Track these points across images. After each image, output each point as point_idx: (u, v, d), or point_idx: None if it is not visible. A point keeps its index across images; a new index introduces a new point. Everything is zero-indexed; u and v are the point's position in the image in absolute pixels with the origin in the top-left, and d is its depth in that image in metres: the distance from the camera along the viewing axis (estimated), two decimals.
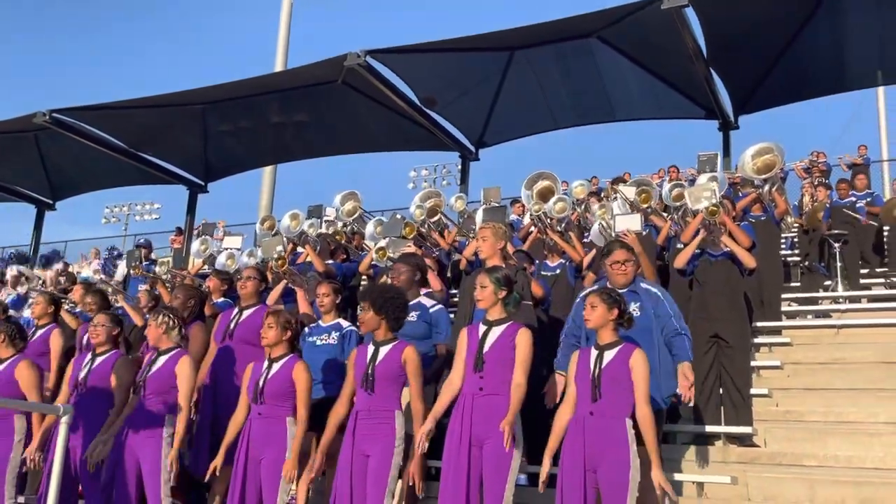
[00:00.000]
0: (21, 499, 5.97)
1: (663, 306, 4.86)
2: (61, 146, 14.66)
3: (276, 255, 7.55)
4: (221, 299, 6.80)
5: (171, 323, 5.18)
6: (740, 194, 8.67)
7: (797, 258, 10.23)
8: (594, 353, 4.27)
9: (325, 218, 10.40)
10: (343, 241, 9.40)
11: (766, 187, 8.15)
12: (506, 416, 4.21)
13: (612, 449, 4.03)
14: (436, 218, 9.19)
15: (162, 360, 5.09)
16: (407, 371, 4.53)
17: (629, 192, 8.10)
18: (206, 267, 9.96)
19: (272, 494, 4.62)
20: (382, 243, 8.16)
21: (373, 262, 8.15)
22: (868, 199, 10.55)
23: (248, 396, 4.87)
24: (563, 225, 8.07)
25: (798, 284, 9.46)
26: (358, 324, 4.99)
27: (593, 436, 4.07)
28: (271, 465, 4.65)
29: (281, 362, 4.86)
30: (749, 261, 6.15)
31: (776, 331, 7.57)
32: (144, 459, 4.90)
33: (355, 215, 9.90)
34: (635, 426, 4.13)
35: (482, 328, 4.52)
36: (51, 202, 17.08)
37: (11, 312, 8.31)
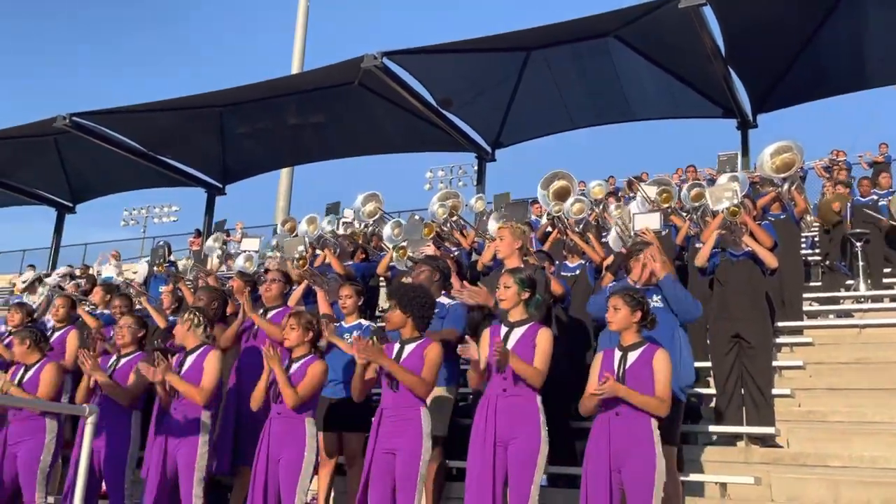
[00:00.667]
0: (50, 499, 6.04)
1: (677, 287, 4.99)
2: (81, 150, 14.81)
3: (297, 256, 7.58)
4: (244, 294, 6.83)
5: (196, 320, 5.22)
6: (760, 193, 8.61)
7: (818, 257, 10.15)
8: (618, 353, 4.27)
9: (342, 219, 10.43)
10: (361, 242, 9.42)
11: (786, 186, 8.09)
12: (531, 416, 4.23)
13: (636, 449, 4.03)
14: (454, 218, 9.19)
15: (190, 359, 5.12)
16: (424, 363, 4.49)
17: (650, 190, 8.06)
18: (223, 267, 10.01)
19: (290, 494, 4.63)
20: (401, 243, 8.17)
21: (391, 263, 8.17)
22: (890, 198, 10.44)
23: (267, 395, 4.88)
24: (581, 225, 8.05)
25: (819, 284, 9.39)
26: (384, 321, 4.96)
27: (618, 436, 4.07)
28: (289, 465, 4.66)
29: (300, 362, 4.88)
30: (771, 261, 6.11)
31: (798, 331, 7.52)
32: (180, 459, 4.94)
33: (376, 216, 9.92)
34: (663, 423, 4.13)
35: (504, 329, 4.52)
36: (71, 205, 17.25)
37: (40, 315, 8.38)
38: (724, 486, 5.29)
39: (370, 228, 9.81)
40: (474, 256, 8.65)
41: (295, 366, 4.87)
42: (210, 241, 10.84)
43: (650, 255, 5.01)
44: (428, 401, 4.63)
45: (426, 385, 4.47)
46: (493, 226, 8.60)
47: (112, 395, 5.24)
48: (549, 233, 8.59)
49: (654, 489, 3.96)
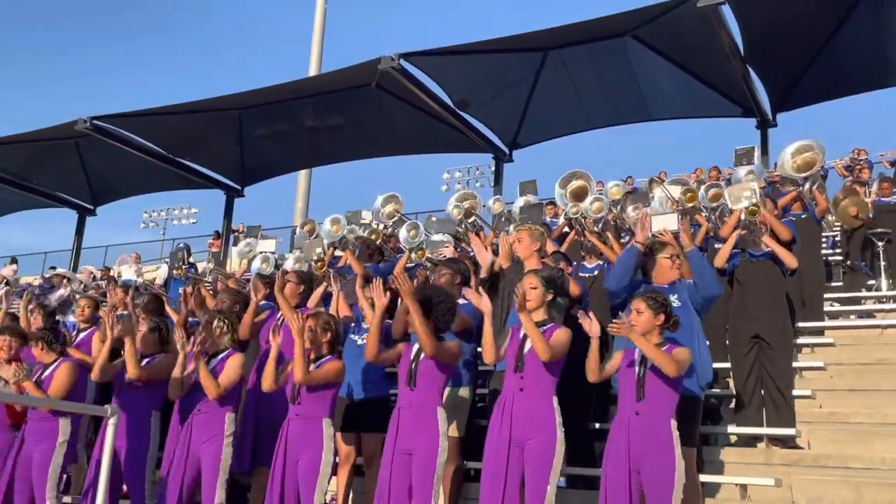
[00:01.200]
0: (67, 499, 6.10)
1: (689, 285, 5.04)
2: (102, 152, 14.95)
3: (315, 258, 7.61)
4: (263, 301, 6.88)
5: (224, 326, 5.27)
6: (781, 192, 8.54)
7: (839, 257, 10.05)
8: (638, 354, 4.26)
9: (362, 221, 10.45)
10: (379, 242, 9.44)
11: (807, 185, 8.02)
12: (546, 416, 4.24)
13: (656, 450, 4.02)
14: (471, 219, 9.18)
15: (214, 362, 5.17)
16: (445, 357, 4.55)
17: (674, 190, 7.99)
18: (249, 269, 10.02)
19: (310, 496, 4.66)
20: (437, 236, 8.16)
21: (408, 265, 8.18)
22: None
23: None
24: (599, 225, 8.02)
25: (840, 284, 9.30)
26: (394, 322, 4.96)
27: (637, 436, 4.06)
28: (308, 467, 4.69)
29: (318, 363, 4.90)
30: (791, 261, 6.06)
31: (818, 331, 7.44)
32: (204, 459, 4.98)
33: (395, 218, 9.92)
34: (679, 427, 4.12)
35: (523, 330, 4.52)
36: (91, 207, 17.40)
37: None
38: (744, 487, 5.25)
39: (388, 230, 9.82)
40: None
41: (312, 367, 4.90)
42: (241, 245, 10.90)
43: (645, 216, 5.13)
44: (444, 400, 4.64)
45: (451, 352, 4.54)
46: (517, 206, 8.55)
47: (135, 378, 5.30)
48: (566, 234, 8.56)
49: (674, 491, 3.94)
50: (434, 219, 9.20)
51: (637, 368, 4.20)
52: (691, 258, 5.02)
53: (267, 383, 4.87)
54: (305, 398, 4.80)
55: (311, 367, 4.84)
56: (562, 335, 4.43)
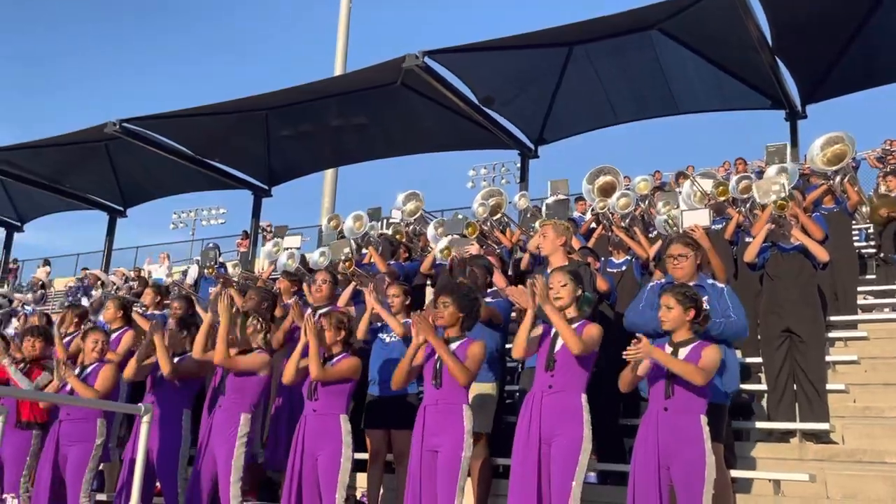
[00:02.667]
0: (103, 496, 6.19)
1: (724, 301, 4.75)
2: (131, 155, 15.11)
3: (343, 258, 7.65)
4: (292, 300, 6.93)
5: (259, 326, 5.32)
6: (812, 185, 8.42)
7: (872, 250, 9.90)
8: (668, 349, 4.22)
9: (390, 219, 10.48)
10: (404, 241, 9.46)
11: (838, 179, 7.91)
12: (575, 414, 4.22)
13: (686, 446, 3.98)
14: (497, 216, 9.17)
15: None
16: (468, 357, 4.51)
17: (706, 184, 7.90)
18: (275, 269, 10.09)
19: (331, 490, 4.70)
20: (444, 242, 8.18)
21: (436, 262, 8.18)
22: None
23: (303, 391, 4.97)
24: (627, 220, 7.97)
25: (874, 277, 9.15)
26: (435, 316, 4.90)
27: (667, 432, 4.03)
28: (328, 462, 4.74)
29: (334, 360, 4.94)
30: (822, 254, 5.98)
31: (852, 325, 7.34)
32: (219, 457, 5.05)
33: (417, 215, 9.95)
34: (709, 423, 4.08)
35: (554, 329, 4.50)
36: (122, 209, 17.60)
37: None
38: (777, 483, 5.19)
39: (411, 227, 9.84)
40: (519, 254, 8.62)
41: (328, 365, 4.93)
42: (269, 246, 10.98)
43: None
44: (471, 397, 4.64)
45: (469, 374, 4.48)
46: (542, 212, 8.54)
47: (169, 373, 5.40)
48: (594, 229, 8.52)
49: (705, 486, 3.91)
50: (444, 223, 9.20)
51: (664, 370, 4.16)
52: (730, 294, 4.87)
53: (288, 376, 4.92)
54: (322, 394, 4.84)
55: (328, 364, 4.89)
56: (592, 330, 4.40)
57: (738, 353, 5.78)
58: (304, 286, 7.13)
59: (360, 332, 5.40)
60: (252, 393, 5.22)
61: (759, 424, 6.01)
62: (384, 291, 6.03)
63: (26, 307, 12.84)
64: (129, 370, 5.64)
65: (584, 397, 4.34)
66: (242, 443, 5.08)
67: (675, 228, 7.07)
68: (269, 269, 9.99)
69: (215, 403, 5.30)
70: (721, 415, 4.62)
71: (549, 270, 5.44)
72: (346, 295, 6.60)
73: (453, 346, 4.60)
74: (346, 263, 7.56)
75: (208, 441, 5.15)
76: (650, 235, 7.94)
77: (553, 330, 4.45)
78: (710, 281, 4.93)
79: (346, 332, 5.04)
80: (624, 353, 4.07)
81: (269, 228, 15.77)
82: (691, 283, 4.76)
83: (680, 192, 8.23)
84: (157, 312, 8.05)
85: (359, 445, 5.31)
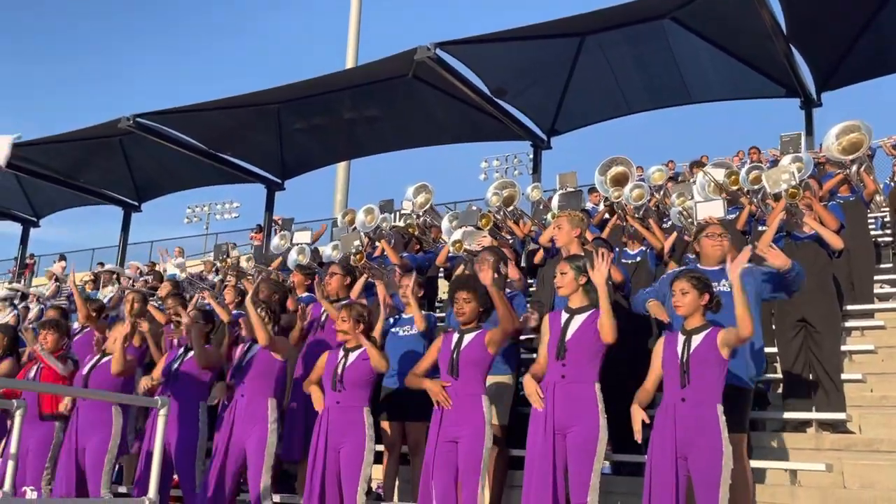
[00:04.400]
0: (122, 488, 6.25)
1: (756, 271, 4.78)
2: (145, 149, 15.19)
3: (353, 251, 7.67)
4: (306, 294, 6.95)
5: (267, 317, 5.34)
6: (828, 173, 8.36)
7: (889, 238, 9.82)
8: (681, 337, 4.21)
9: (402, 211, 10.49)
10: (416, 233, 9.48)
11: (854, 168, 7.84)
12: (589, 404, 4.22)
13: (703, 436, 3.98)
14: (511, 207, 9.17)
15: (256, 347, 5.26)
16: (490, 340, 4.55)
17: (718, 174, 7.86)
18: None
19: (353, 483, 4.71)
20: (458, 235, 8.19)
21: (450, 255, 8.19)
22: None
23: (326, 384, 4.98)
24: (641, 211, 7.95)
25: (890, 266, 9.09)
26: (456, 311, 4.89)
27: (683, 422, 4.02)
28: (351, 454, 4.75)
29: (358, 352, 4.95)
30: (836, 242, 5.94)
31: (869, 314, 7.29)
32: (249, 445, 5.07)
33: (426, 207, 9.96)
34: (732, 410, 4.07)
35: (564, 316, 4.50)
36: (136, 204, 17.69)
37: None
38: (794, 473, 5.18)
39: (421, 219, 9.86)
40: (532, 246, 8.61)
41: (352, 356, 4.94)
42: (276, 240, 11.02)
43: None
44: (488, 388, 4.65)
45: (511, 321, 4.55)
46: (556, 203, 8.55)
47: (196, 346, 5.48)
48: (607, 220, 8.50)
49: (722, 477, 3.90)
50: (458, 216, 9.20)
51: (680, 354, 4.15)
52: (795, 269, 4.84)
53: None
54: (348, 386, 4.85)
55: (352, 356, 4.91)
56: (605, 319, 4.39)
57: None
58: (317, 279, 7.15)
59: (376, 332, 5.40)
60: (277, 378, 5.29)
61: (775, 414, 5.99)
62: (395, 284, 6.04)
63: (41, 301, 12.93)
64: (115, 366, 5.62)
65: (597, 386, 4.34)
66: (273, 429, 5.13)
67: (689, 220, 7.04)
68: (276, 263, 10.03)
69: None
70: (744, 401, 4.59)
71: None
72: (357, 287, 6.62)
73: (469, 336, 4.60)
74: (357, 256, 7.58)
75: (231, 431, 5.17)
76: (665, 226, 7.92)
77: (563, 318, 4.46)
78: None
79: (366, 325, 5.04)
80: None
81: (278, 221, 15.84)
82: (718, 267, 4.76)
83: (694, 183, 8.20)
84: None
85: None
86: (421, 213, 9.90)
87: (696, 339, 4.15)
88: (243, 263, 9.95)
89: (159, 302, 8.28)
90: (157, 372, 5.69)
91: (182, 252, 16.90)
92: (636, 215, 7.62)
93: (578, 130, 14.31)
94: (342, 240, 8.70)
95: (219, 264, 10.12)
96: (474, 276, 4.92)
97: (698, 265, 5.04)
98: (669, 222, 7.98)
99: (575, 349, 4.37)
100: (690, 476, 3.99)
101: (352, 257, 7.70)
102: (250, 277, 8.81)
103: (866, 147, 7.81)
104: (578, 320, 4.44)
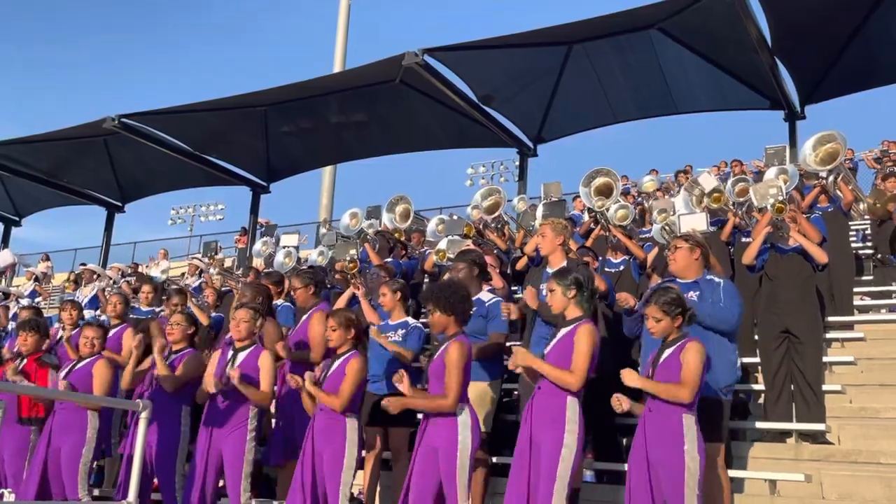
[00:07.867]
0: (96, 491, 6.19)
1: (717, 294, 4.83)
2: (130, 150, 15.13)
3: (348, 259, 7.65)
4: (280, 301, 6.91)
5: (255, 318, 5.30)
6: (807, 185, 8.44)
7: (870, 251, 9.91)
8: (657, 350, 4.27)
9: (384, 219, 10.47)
10: (402, 238, 9.48)
11: (830, 178, 7.91)
12: (558, 416, 4.22)
13: (664, 445, 4.03)
14: (496, 214, 9.20)
15: (242, 356, 5.22)
16: (446, 364, 4.40)
17: (708, 182, 7.86)
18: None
19: (335, 488, 4.71)
20: (442, 245, 8.19)
21: (437, 262, 8.20)
22: None
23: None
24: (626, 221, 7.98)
25: (871, 278, 9.17)
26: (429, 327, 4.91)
27: (651, 432, 4.09)
28: (332, 460, 4.75)
29: (341, 359, 4.94)
30: (821, 256, 5.99)
31: (848, 325, 7.36)
32: (226, 451, 5.04)
33: (409, 216, 9.93)
34: (703, 420, 4.10)
35: (561, 332, 4.50)
36: (120, 205, 17.61)
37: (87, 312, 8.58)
38: (773, 483, 5.21)
39: (405, 226, 9.84)
40: (516, 253, 8.63)
41: (336, 363, 4.94)
42: (259, 245, 10.97)
43: None
44: (470, 395, 4.64)
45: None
46: (540, 213, 8.57)
47: (163, 379, 5.40)
48: (592, 229, 8.54)
49: (685, 486, 3.93)
50: (444, 221, 9.21)
51: (651, 364, 4.22)
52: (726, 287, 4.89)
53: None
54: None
55: (336, 363, 4.90)
56: (583, 343, 4.30)
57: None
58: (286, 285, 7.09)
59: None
60: (258, 384, 5.24)
61: (756, 424, 6.02)
62: (377, 289, 6.02)
63: (21, 301, 12.80)
64: (126, 379, 5.63)
65: (569, 399, 4.28)
66: (252, 437, 5.09)
67: (672, 235, 7.09)
68: (259, 266, 10.00)
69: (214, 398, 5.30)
70: (718, 411, 4.61)
71: (547, 269, 5.46)
72: (342, 300, 6.61)
73: (440, 349, 4.56)
74: (351, 265, 7.55)
75: (211, 436, 5.14)
76: (643, 235, 7.96)
77: (561, 333, 4.46)
78: (709, 277, 4.98)
79: (356, 331, 5.03)
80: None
81: (266, 223, 15.81)
82: (691, 280, 4.80)
83: (675, 197, 8.25)
84: (156, 308, 8.06)
85: None
86: (404, 225, 9.80)
87: (667, 351, 4.21)
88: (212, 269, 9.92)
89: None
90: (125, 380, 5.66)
91: (166, 254, 16.80)
92: (619, 224, 7.65)
93: (565, 138, 14.40)
94: (337, 248, 8.69)
95: (206, 260, 10.09)
96: (430, 286, 4.87)
97: (676, 279, 5.06)
98: (651, 231, 8.03)
99: (552, 362, 4.36)
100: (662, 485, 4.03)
101: (346, 265, 7.66)
102: (238, 280, 8.78)
103: (842, 156, 7.87)
104: (561, 333, 4.45)
